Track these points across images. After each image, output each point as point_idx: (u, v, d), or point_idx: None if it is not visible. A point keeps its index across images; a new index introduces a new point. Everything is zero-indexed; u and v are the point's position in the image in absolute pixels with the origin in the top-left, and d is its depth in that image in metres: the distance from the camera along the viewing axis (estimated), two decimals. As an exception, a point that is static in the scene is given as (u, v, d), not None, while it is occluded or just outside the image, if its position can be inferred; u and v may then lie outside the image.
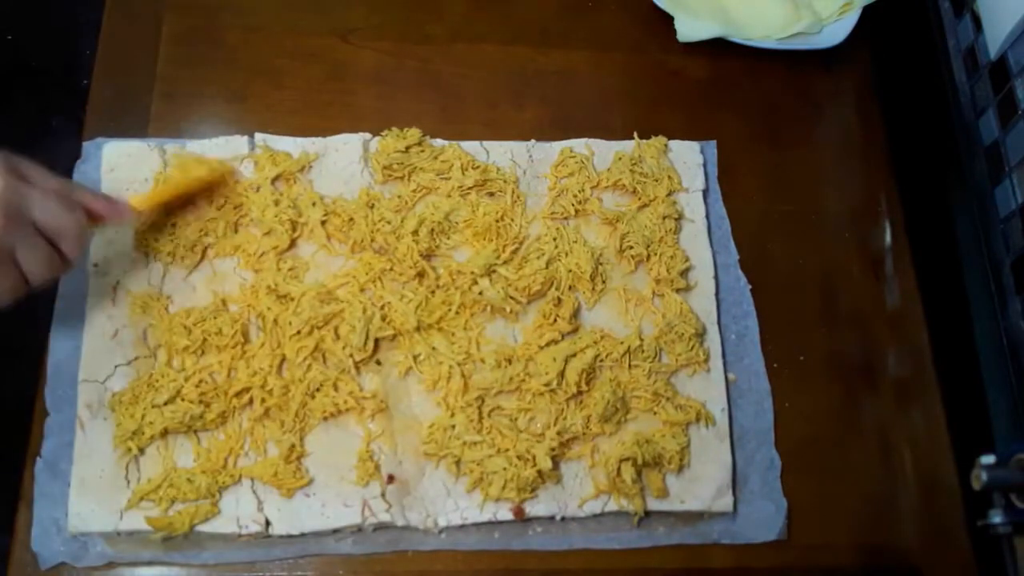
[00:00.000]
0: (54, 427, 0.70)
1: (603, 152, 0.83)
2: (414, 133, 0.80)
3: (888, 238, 0.86)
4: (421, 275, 0.75)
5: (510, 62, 0.88)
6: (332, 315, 0.72)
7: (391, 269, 0.75)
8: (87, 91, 0.82)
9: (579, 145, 0.83)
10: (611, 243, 0.79)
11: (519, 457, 0.70)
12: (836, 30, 0.90)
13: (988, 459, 0.62)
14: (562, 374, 0.73)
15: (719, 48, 0.89)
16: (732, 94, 0.90)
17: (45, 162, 0.78)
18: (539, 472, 0.70)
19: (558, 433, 0.71)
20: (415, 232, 0.75)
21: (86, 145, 0.78)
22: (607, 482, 0.71)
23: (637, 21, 0.91)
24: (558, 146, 0.83)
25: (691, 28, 0.89)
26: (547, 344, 0.74)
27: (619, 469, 0.71)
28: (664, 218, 0.80)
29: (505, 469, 0.69)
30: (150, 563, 0.68)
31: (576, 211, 0.80)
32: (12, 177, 0.58)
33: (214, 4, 0.87)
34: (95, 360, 0.71)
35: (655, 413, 0.74)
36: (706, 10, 0.90)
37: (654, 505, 0.72)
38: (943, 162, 0.87)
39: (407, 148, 0.79)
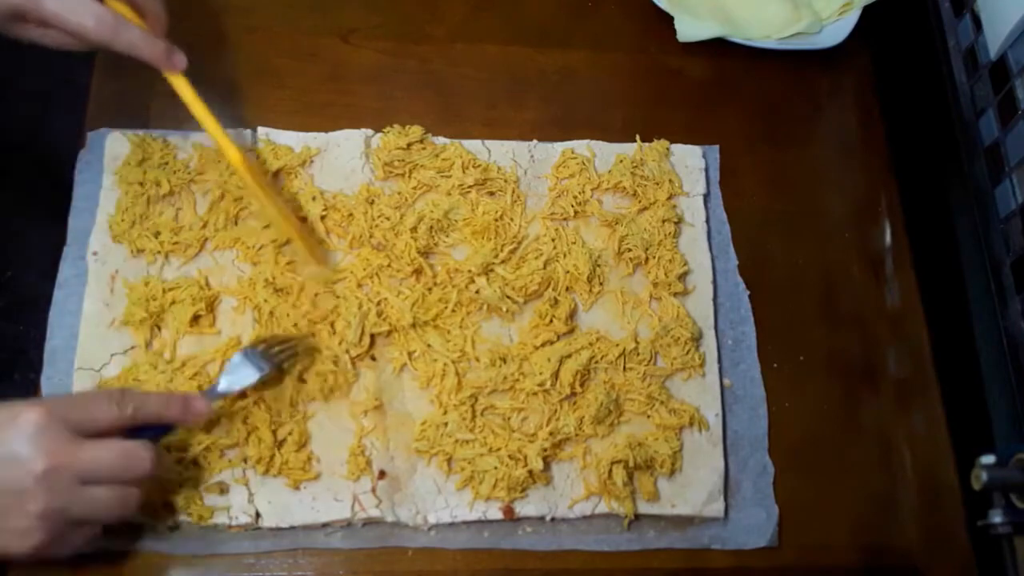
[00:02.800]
0: None
1: (604, 154, 0.83)
2: (416, 130, 0.80)
3: (888, 238, 0.86)
4: (418, 272, 0.75)
5: (510, 62, 0.88)
6: (329, 311, 0.72)
7: (388, 265, 0.75)
8: (87, 91, 0.82)
9: (580, 146, 0.83)
10: (610, 245, 0.79)
11: (510, 456, 0.70)
12: (836, 30, 0.90)
13: (988, 459, 0.62)
14: (556, 375, 0.73)
15: (719, 48, 0.89)
16: (732, 94, 0.90)
17: (45, 162, 0.80)
18: (530, 472, 0.70)
19: (550, 434, 0.71)
20: (414, 229, 0.75)
21: (90, 135, 0.79)
22: (598, 484, 0.71)
23: (637, 21, 0.91)
24: (560, 146, 0.83)
25: (691, 28, 0.89)
26: (542, 344, 0.74)
27: (610, 471, 0.70)
28: (664, 221, 0.80)
29: (496, 468, 0.69)
30: (140, 552, 0.67)
31: (576, 212, 0.80)
32: (65, 445, 0.56)
33: (214, 4, 0.87)
34: (91, 348, 0.71)
35: (648, 416, 0.74)
36: (706, 10, 0.90)
37: (645, 508, 0.72)
38: (943, 162, 0.87)
39: (408, 145, 0.79)
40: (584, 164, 0.81)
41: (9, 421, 0.55)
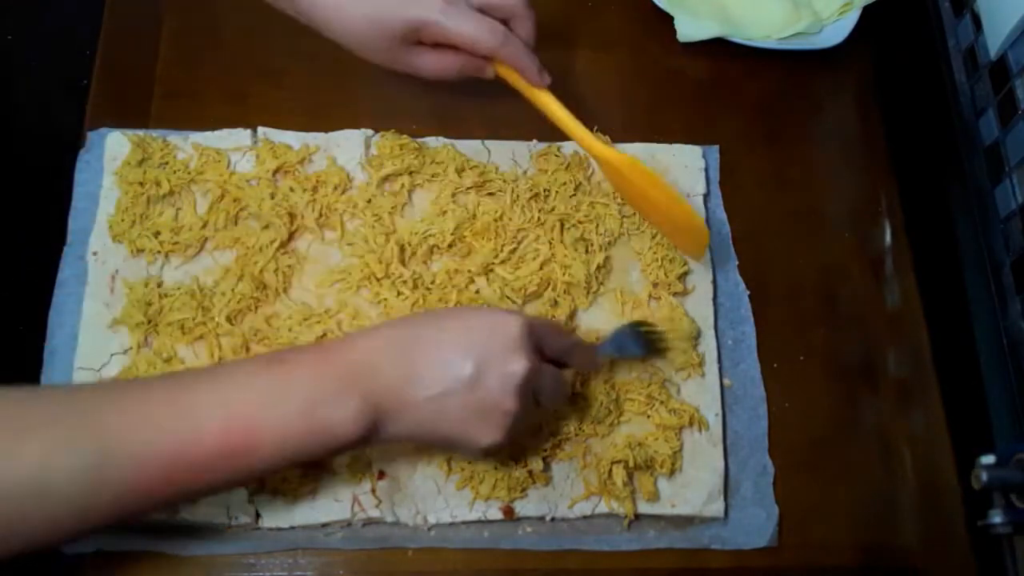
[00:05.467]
0: None
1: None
2: (406, 140, 0.80)
3: (888, 238, 0.86)
4: (415, 283, 0.75)
5: (510, 62, 0.88)
6: (322, 335, 0.73)
7: (387, 268, 0.74)
8: (87, 91, 0.82)
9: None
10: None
11: (510, 456, 0.70)
12: (836, 30, 0.90)
13: (988, 459, 0.62)
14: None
15: (719, 48, 0.89)
16: (732, 94, 0.90)
17: (45, 162, 0.80)
18: (530, 472, 0.70)
19: (551, 434, 0.71)
20: (409, 244, 0.75)
21: (90, 135, 0.79)
22: (598, 484, 0.71)
23: (637, 21, 0.91)
24: (560, 146, 0.82)
25: (691, 28, 0.89)
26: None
27: (610, 471, 0.70)
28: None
29: (496, 468, 0.69)
30: (139, 552, 0.68)
31: (569, 212, 0.79)
32: (534, 360, 0.61)
33: (214, 4, 0.87)
34: (91, 348, 0.71)
35: (648, 416, 0.74)
36: (706, 10, 0.90)
37: (645, 508, 0.71)
38: (943, 162, 0.87)
39: (402, 147, 0.79)
40: (581, 163, 0.81)
41: (496, 326, 0.60)
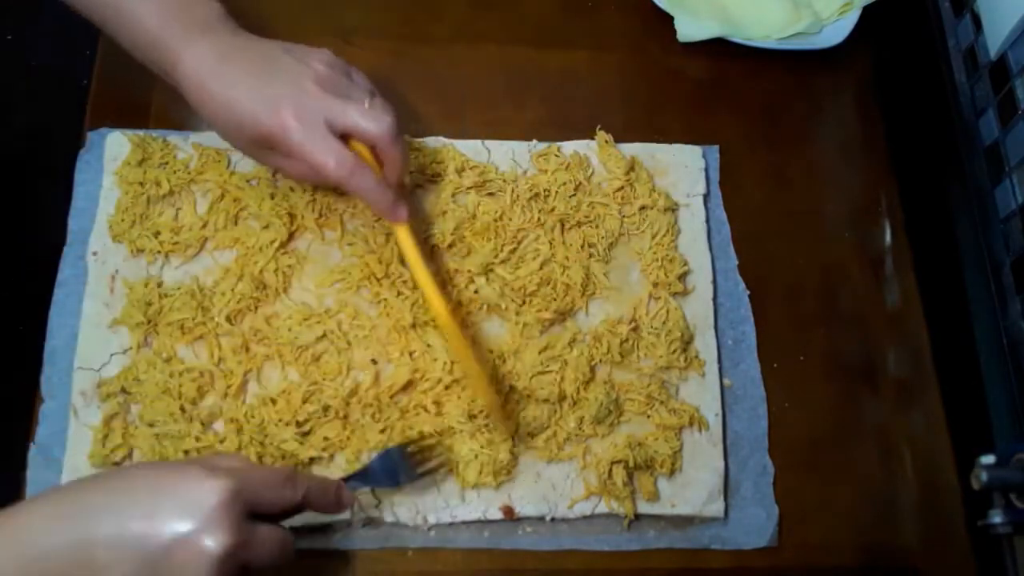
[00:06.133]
0: (48, 413, 0.70)
1: (604, 153, 0.83)
2: (407, 139, 0.80)
3: (888, 238, 0.86)
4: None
5: (510, 62, 0.88)
6: (322, 335, 0.73)
7: (387, 268, 0.74)
8: (87, 91, 0.82)
9: (581, 146, 0.83)
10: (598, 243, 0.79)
11: (489, 442, 0.70)
12: (836, 30, 0.90)
13: (988, 459, 0.62)
14: (557, 375, 0.73)
15: (719, 48, 0.89)
16: (732, 94, 0.90)
17: (45, 162, 0.80)
18: (514, 455, 0.70)
19: (553, 435, 0.72)
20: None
21: (90, 135, 0.79)
22: (598, 484, 0.71)
23: (637, 21, 0.91)
24: (560, 146, 0.82)
25: (691, 28, 0.89)
26: (545, 347, 0.74)
27: (610, 471, 0.70)
28: (664, 214, 0.80)
29: (476, 457, 0.69)
30: None
31: (569, 213, 0.79)
32: (241, 530, 0.52)
33: (214, 4, 0.87)
34: (91, 348, 0.71)
35: (648, 416, 0.74)
36: (706, 10, 0.90)
37: (645, 508, 0.71)
38: (943, 162, 0.87)
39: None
40: (583, 162, 0.81)
41: (188, 490, 0.51)
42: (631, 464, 0.71)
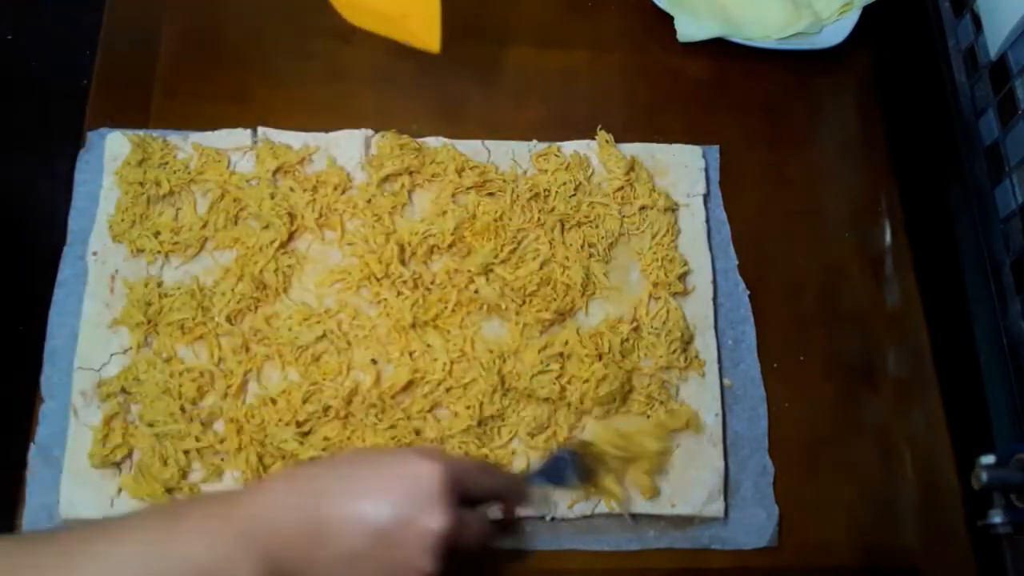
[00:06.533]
0: (48, 413, 0.70)
1: (603, 153, 0.83)
2: (406, 140, 0.80)
3: (888, 238, 0.86)
4: (415, 283, 0.75)
5: (510, 62, 0.88)
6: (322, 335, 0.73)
7: (387, 268, 0.75)
8: (87, 91, 0.82)
9: (581, 146, 0.83)
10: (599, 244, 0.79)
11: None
12: (836, 30, 0.90)
13: (988, 459, 0.62)
14: (556, 375, 0.73)
15: (719, 48, 0.89)
16: (732, 94, 0.90)
17: (45, 163, 0.79)
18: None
19: (553, 435, 0.72)
20: (409, 244, 0.75)
21: (90, 135, 0.79)
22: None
23: (637, 21, 0.91)
24: (560, 146, 0.82)
25: (691, 28, 0.89)
26: (544, 347, 0.74)
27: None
28: (664, 214, 0.80)
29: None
30: None
31: (569, 213, 0.79)
32: (455, 515, 0.52)
33: (214, 4, 0.87)
34: (90, 348, 0.71)
35: (648, 417, 0.74)
36: (706, 10, 0.90)
37: (645, 508, 0.71)
38: (943, 162, 0.87)
39: (402, 147, 0.79)
40: (583, 162, 0.81)
41: (411, 477, 0.52)
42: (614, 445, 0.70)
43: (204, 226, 0.75)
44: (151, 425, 0.69)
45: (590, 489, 0.70)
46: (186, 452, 0.68)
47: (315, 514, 0.51)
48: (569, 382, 0.73)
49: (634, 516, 0.72)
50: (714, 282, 0.80)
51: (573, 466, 0.65)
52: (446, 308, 0.74)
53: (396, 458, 0.54)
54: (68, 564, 0.48)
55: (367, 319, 0.74)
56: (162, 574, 0.49)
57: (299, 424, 0.69)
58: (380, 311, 0.74)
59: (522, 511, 0.64)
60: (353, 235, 0.76)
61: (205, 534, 0.50)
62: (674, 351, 0.75)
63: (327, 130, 0.81)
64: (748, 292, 0.81)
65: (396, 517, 0.51)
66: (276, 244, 0.74)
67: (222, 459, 0.69)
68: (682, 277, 0.79)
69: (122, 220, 0.75)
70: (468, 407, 0.71)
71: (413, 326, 0.73)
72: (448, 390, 0.72)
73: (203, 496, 0.56)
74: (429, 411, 0.71)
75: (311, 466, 0.56)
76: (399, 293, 0.74)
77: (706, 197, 0.83)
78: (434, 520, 0.51)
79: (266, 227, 0.75)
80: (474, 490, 0.56)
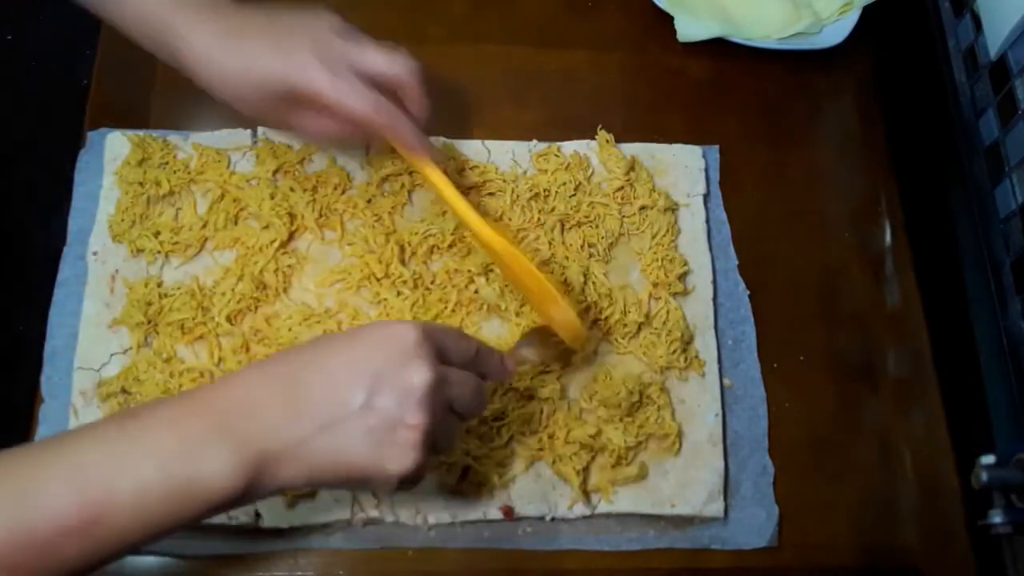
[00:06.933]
0: (49, 414, 0.70)
1: (603, 153, 0.83)
2: None
3: (888, 238, 0.86)
4: (415, 283, 0.75)
5: (510, 62, 0.88)
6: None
7: (387, 268, 0.74)
8: (87, 91, 0.82)
9: (581, 146, 0.83)
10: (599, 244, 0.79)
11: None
12: (836, 30, 0.90)
13: (988, 459, 0.62)
14: (556, 375, 0.73)
15: (719, 48, 0.89)
16: (732, 94, 0.90)
17: (45, 162, 0.80)
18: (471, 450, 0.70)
19: (550, 437, 0.72)
20: (409, 244, 0.75)
21: (90, 135, 0.79)
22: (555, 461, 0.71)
23: (637, 21, 0.91)
24: (560, 146, 0.82)
25: (691, 28, 0.89)
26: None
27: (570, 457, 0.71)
28: (664, 214, 0.80)
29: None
30: (138, 551, 0.68)
31: (569, 213, 0.79)
32: (437, 368, 0.53)
33: (214, 4, 0.87)
34: (91, 348, 0.71)
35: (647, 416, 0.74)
36: (706, 10, 0.90)
37: (646, 508, 0.71)
38: (943, 162, 0.87)
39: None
40: (583, 162, 0.81)
41: (385, 339, 0.52)
42: (579, 441, 0.70)
43: (204, 226, 0.75)
44: None
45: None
46: None
47: (292, 391, 0.50)
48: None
49: (634, 516, 0.71)
50: (714, 282, 0.80)
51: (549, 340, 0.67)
52: (446, 308, 0.74)
53: (369, 327, 0.54)
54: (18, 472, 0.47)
55: (367, 319, 0.74)
56: (128, 463, 0.47)
57: None
58: (380, 311, 0.74)
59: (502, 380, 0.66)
60: (353, 235, 0.76)
61: (170, 425, 0.49)
62: (674, 351, 0.75)
63: (327, 130, 0.81)
64: (748, 292, 0.81)
65: (378, 376, 0.51)
66: (276, 244, 0.74)
67: None
68: (682, 277, 0.79)
69: (122, 220, 0.75)
70: None
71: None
72: None
73: (166, 398, 0.53)
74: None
75: (280, 353, 0.55)
76: (399, 293, 0.74)
77: (706, 197, 0.83)
78: (417, 374, 0.51)
79: (266, 227, 0.75)
80: (452, 354, 0.56)
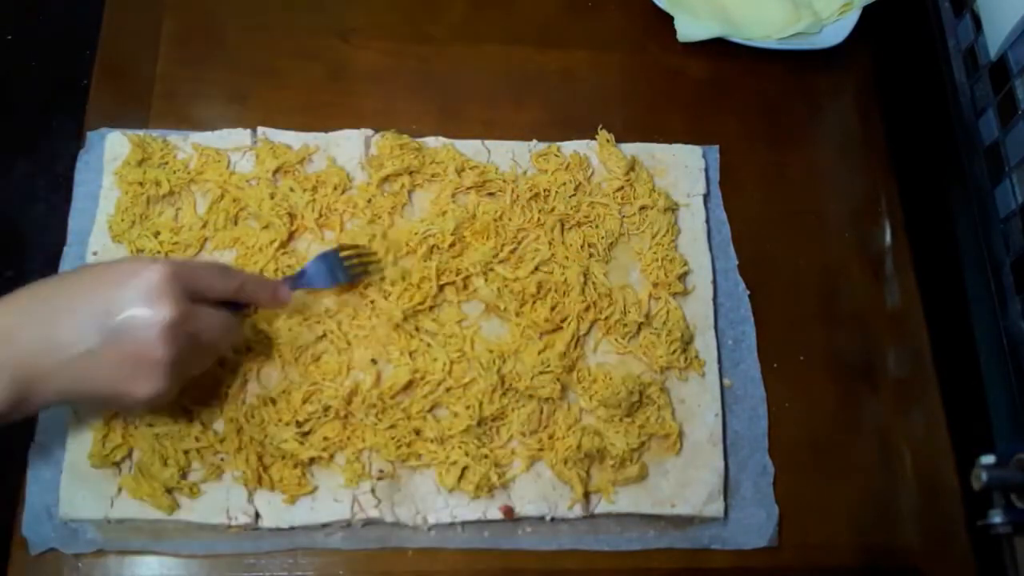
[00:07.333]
0: (48, 413, 0.70)
1: (603, 153, 0.83)
2: (406, 140, 0.80)
3: (888, 238, 0.86)
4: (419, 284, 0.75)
5: (510, 62, 0.88)
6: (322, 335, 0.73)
7: (383, 279, 0.74)
8: (87, 91, 0.82)
9: (581, 146, 0.83)
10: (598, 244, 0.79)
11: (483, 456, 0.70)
12: (836, 30, 0.90)
13: (988, 459, 0.62)
14: (557, 375, 0.73)
15: (719, 48, 0.89)
16: (732, 94, 0.90)
17: (45, 163, 0.80)
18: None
19: (549, 437, 0.72)
20: (409, 244, 0.75)
21: (90, 135, 0.79)
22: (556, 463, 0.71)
23: (637, 21, 0.91)
24: (560, 146, 0.82)
25: (691, 28, 0.89)
26: (544, 348, 0.74)
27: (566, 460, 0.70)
28: (664, 214, 0.80)
29: (463, 464, 0.70)
30: (139, 552, 0.68)
31: (569, 213, 0.79)
32: (181, 305, 0.58)
33: (214, 4, 0.87)
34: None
35: (647, 417, 0.74)
36: (706, 10, 0.90)
37: (646, 508, 0.71)
38: (943, 162, 0.87)
39: (402, 147, 0.79)
40: (582, 162, 0.81)
41: (132, 275, 0.58)
42: (578, 446, 0.70)
43: (204, 226, 0.75)
44: (151, 425, 0.69)
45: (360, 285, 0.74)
46: (186, 452, 0.68)
47: (48, 322, 0.57)
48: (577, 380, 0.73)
49: (634, 516, 0.71)
50: (714, 282, 0.80)
51: (339, 265, 0.71)
52: (427, 298, 0.74)
53: (119, 263, 0.61)
54: None
55: (367, 319, 0.74)
56: None
57: (299, 424, 0.69)
58: (370, 313, 0.74)
59: (276, 307, 0.70)
60: (353, 235, 0.76)
61: None
62: (674, 351, 0.75)
63: (327, 130, 0.81)
64: (748, 292, 0.81)
65: (123, 312, 0.57)
66: (276, 244, 0.74)
67: (222, 459, 0.69)
68: (682, 277, 0.79)
69: (122, 220, 0.75)
70: (468, 407, 0.71)
71: (415, 328, 0.73)
72: (448, 390, 0.72)
73: None
74: (429, 411, 0.71)
75: (42, 282, 0.60)
76: (387, 295, 0.74)
77: (706, 197, 0.83)
78: (161, 312, 0.57)
79: (266, 227, 0.75)
80: (205, 287, 0.61)
